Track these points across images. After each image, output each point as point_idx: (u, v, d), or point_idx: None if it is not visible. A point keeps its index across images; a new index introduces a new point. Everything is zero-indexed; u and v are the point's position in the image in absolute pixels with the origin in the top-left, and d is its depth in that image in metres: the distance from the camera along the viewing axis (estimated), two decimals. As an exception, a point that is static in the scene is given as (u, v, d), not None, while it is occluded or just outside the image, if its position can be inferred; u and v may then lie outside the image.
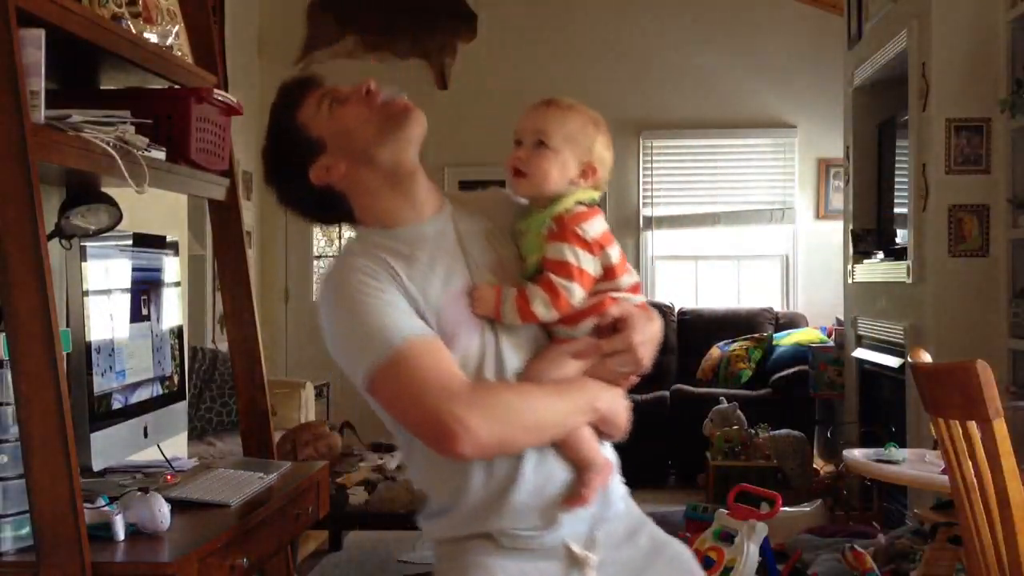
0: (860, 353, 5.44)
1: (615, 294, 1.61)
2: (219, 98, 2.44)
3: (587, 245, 1.58)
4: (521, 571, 1.56)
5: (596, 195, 1.64)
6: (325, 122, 1.63)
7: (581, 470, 1.59)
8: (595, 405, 1.58)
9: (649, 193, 7.20)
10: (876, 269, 5.30)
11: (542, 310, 1.56)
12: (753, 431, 5.49)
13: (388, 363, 1.49)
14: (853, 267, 5.67)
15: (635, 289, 1.65)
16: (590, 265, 1.58)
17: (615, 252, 1.62)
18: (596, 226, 1.60)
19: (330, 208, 1.68)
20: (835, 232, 6.64)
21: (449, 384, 1.48)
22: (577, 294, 1.57)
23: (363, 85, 1.64)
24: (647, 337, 1.61)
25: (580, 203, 1.61)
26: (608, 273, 1.61)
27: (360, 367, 1.53)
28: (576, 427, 1.57)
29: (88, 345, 2.22)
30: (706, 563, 3.57)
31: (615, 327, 1.60)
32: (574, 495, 1.57)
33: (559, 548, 1.58)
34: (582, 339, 1.60)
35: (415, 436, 1.55)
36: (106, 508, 1.92)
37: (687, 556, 1.69)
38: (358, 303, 1.53)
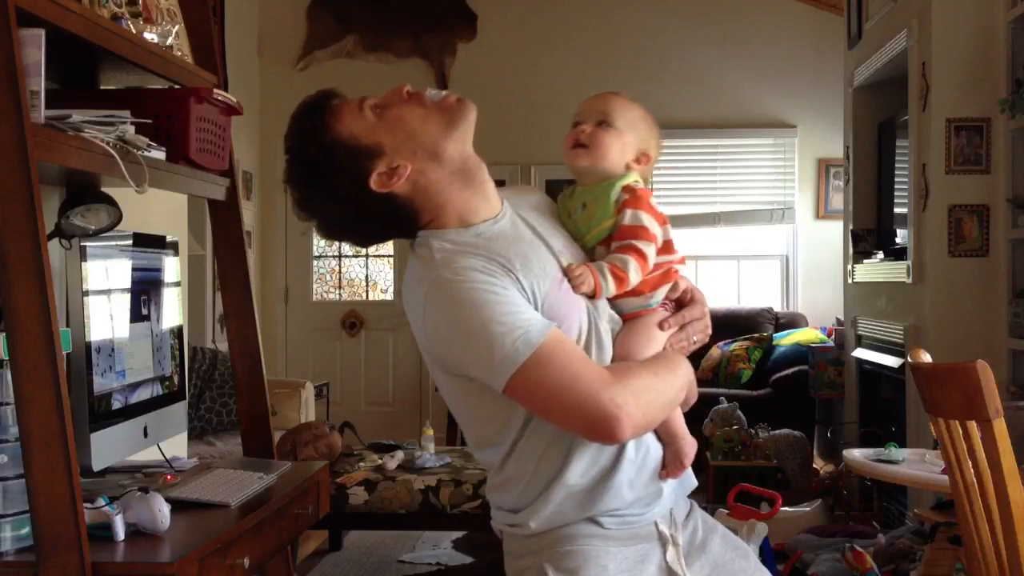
0: (860, 353, 5.44)
1: (676, 266, 1.68)
2: (219, 98, 2.44)
3: (658, 216, 1.64)
4: (625, 557, 1.56)
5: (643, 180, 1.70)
6: (378, 127, 1.57)
7: (673, 442, 1.63)
8: (690, 377, 1.60)
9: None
10: (876, 269, 5.30)
11: (635, 275, 1.59)
12: (753, 431, 5.49)
13: (534, 360, 1.45)
14: (853, 267, 5.67)
15: (682, 261, 1.71)
16: (659, 235, 1.64)
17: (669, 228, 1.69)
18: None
19: (392, 220, 1.60)
20: (835, 232, 6.64)
21: (599, 372, 1.48)
22: (653, 259, 1.62)
23: (401, 88, 1.60)
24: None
25: (637, 181, 1.67)
26: (667, 247, 1.66)
27: (499, 367, 1.47)
28: (681, 400, 1.59)
29: (88, 345, 2.22)
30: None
31: (684, 299, 1.67)
32: (673, 465, 1.61)
33: (650, 528, 1.59)
34: (660, 311, 1.64)
35: (565, 427, 1.50)
36: (106, 508, 1.92)
37: (731, 534, 1.73)
38: (485, 303, 1.47)
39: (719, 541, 1.68)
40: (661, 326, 1.63)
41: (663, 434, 1.63)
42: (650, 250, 1.61)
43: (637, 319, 1.63)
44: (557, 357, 1.46)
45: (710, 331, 1.70)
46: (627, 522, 1.57)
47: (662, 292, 1.64)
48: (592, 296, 1.58)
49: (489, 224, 1.60)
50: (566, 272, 1.58)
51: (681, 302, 1.68)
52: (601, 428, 1.46)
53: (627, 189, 1.64)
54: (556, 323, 1.51)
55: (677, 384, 1.56)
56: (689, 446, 1.63)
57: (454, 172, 1.59)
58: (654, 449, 1.61)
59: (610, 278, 1.58)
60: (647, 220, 1.62)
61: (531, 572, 1.57)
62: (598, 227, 1.65)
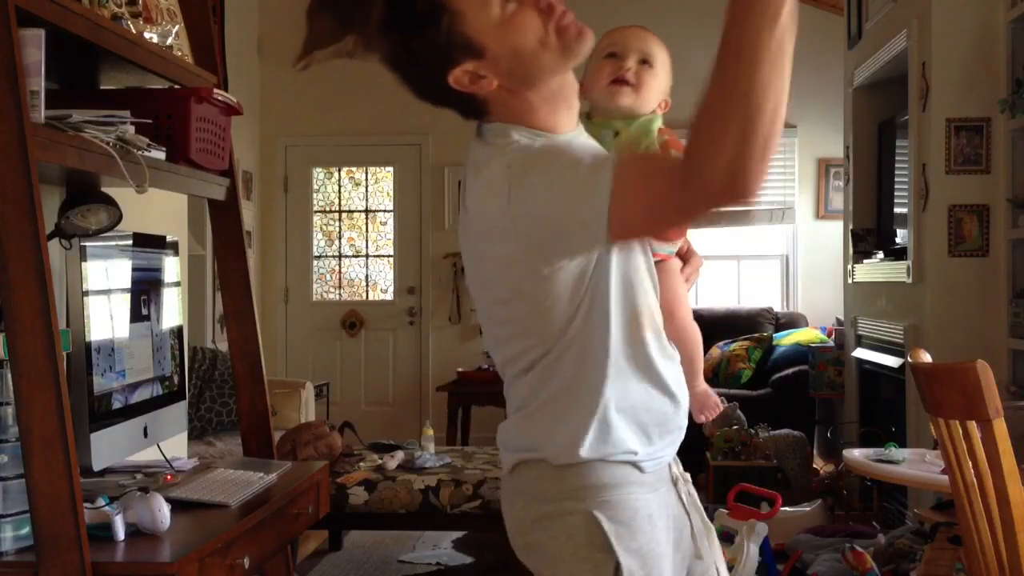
0: (860, 353, 5.44)
1: None
2: (219, 98, 2.44)
3: None
4: (661, 504, 1.52)
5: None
6: (495, 27, 1.41)
7: (696, 385, 1.68)
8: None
9: (649, 193, 7.20)
10: (876, 269, 5.29)
11: None
12: (753, 431, 5.49)
13: (621, 168, 1.33)
14: (853, 267, 5.67)
15: None
16: None
17: None
18: None
19: (460, 105, 1.48)
20: (835, 232, 6.64)
21: (672, 167, 1.32)
22: None
23: None
24: None
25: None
26: None
27: (601, 182, 1.32)
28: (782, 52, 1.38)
29: (88, 345, 2.22)
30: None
31: (682, 251, 1.72)
32: (708, 409, 1.71)
33: (666, 470, 1.57)
34: (676, 260, 1.69)
35: (698, 197, 1.28)
36: (106, 508, 1.92)
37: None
38: (566, 150, 1.39)
39: (687, 488, 1.68)
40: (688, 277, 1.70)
41: (688, 378, 1.61)
42: None
43: (669, 263, 1.66)
44: (639, 159, 1.44)
45: (698, 276, 1.79)
46: (659, 463, 1.53)
47: (679, 242, 1.68)
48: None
49: (571, 134, 1.50)
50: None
51: (682, 254, 1.73)
52: (738, 176, 1.25)
53: (663, 131, 1.63)
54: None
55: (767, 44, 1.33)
56: (711, 390, 1.72)
57: (547, 98, 1.47)
58: (685, 390, 1.58)
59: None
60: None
61: (575, 519, 1.46)
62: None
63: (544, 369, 1.48)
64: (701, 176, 1.26)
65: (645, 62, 1.64)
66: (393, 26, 1.48)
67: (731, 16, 1.30)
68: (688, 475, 1.63)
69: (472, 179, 1.47)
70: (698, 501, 1.63)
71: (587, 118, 1.64)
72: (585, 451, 1.46)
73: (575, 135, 1.51)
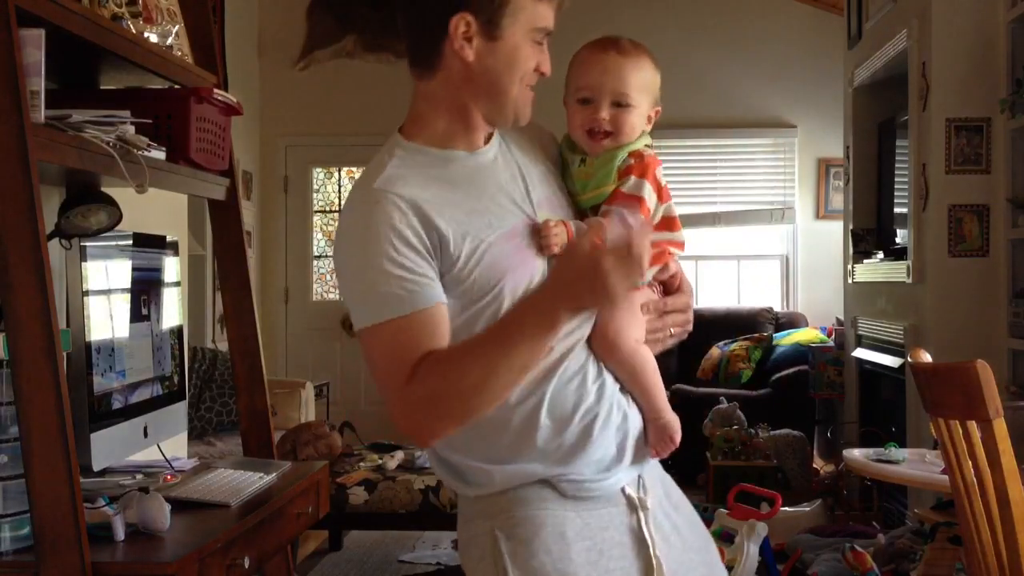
0: (860, 353, 5.44)
1: (673, 249, 1.60)
2: (219, 98, 2.44)
3: (660, 190, 1.57)
4: (585, 523, 1.50)
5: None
6: (517, 37, 1.50)
7: (656, 419, 1.56)
8: (552, 318, 1.40)
9: (649, 193, 7.20)
10: (876, 269, 5.29)
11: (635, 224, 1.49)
12: (753, 431, 5.49)
13: (372, 329, 1.43)
14: (853, 267, 5.67)
15: (680, 246, 1.63)
16: (655, 210, 1.56)
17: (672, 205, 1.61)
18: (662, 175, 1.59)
19: (420, 48, 1.54)
20: (835, 232, 6.64)
21: (395, 376, 1.43)
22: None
23: (545, 66, 1.55)
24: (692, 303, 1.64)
25: (648, 147, 1.60)
26: (671, 224, 1.60)
27: (356, 318, 1.46)
28: (537, 356, 1.43)
29: (88, 345, 2.22)
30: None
31: (672, 284, 1.61)
32: (660, 444, 1.56)
33: (615, 492, 1.53)
34: (646, 291, 1.57)
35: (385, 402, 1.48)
36: (106, 508, 1.92)
37: (697, 517, 1.69)
38: (373, 251, 1.42)
39: (685, 519, 1.63)
40: (643, 307, 1.56)
41: (644, 411, 1.56)
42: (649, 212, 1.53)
43: None
44: (389, 340, 1.42)
45: (690, 327, 1.63)
46: (587, 488, 1.50)
47: (651, 272, 1.56)
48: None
49: (465, 154, 1.53)
50: (540, 226, 1.49)
51: (668, 288, 1.62)
52: (393, 408, 1.46)
53: (635, 155, 1.56)
54: (490, 271, 1.44)
55: (512, 366, 1.41)
56: (674, 423, 1.56)
57: (482, 96, 1.51)
58: (628, 415, 1.54)
59: (587, 243, 1.46)
60: (647, 192, 1.53)
61: (481, 539, 1.50)
62: (596, 190, 1.56)
63: None
64: (392, 412, 1.46)
65: (618, 104, 1.56)
66: None
67: (503, 335, 1.42)
68: (650, 504, 1.55)
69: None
70: (670, 537, 1.56)
71: (568, 141, 1.63)
72: (485, 488, 1.51)
73: (472, 156, 1.54)
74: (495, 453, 1.49)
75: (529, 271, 1.48)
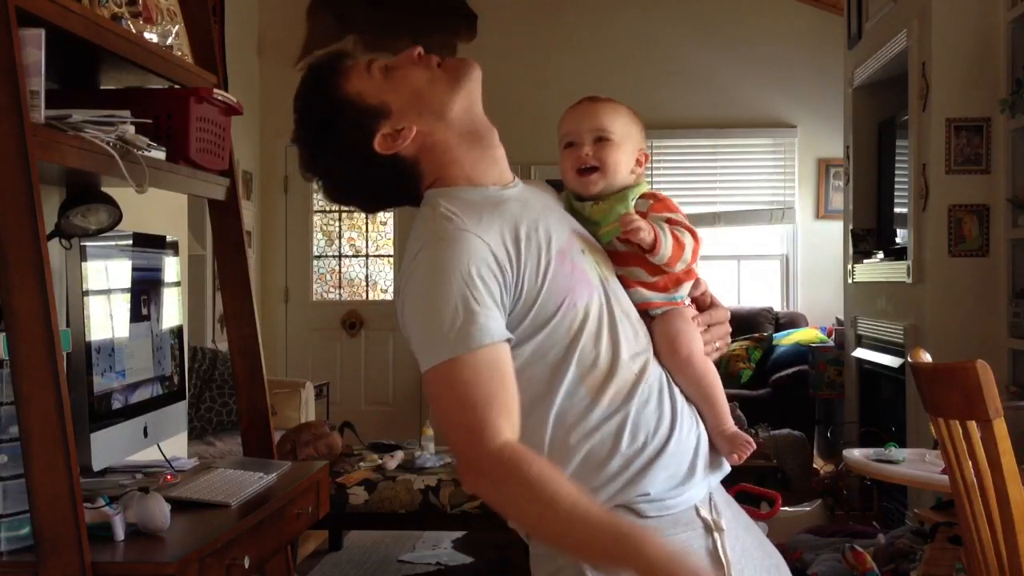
0: (860, 353, 5.44)
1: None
2: (219, 98, 2.44)
3: (685, 218, 1.63)
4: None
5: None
6: (384, 87, 1.56)
7: (721, 435, 1.58)
8: (616, 562, 1.36)
9: (649, 193, 7.20)
10: (876, 269, 5.30)
11: (688, 251, 1.57)
12: (753, 431, 5.49)
13: (449, 365, 1.40)
14: (853, 267, 5.67)
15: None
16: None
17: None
18: None
19: (398, 182, 1.58)
20: (835, 232, 6.64)
21: (505, 421, 1.40)
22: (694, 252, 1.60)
23: (412, 51, 1.59)
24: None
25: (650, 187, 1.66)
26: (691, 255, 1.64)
27: (424, 355, 1.44)
28: (581, 556, 1.43)
29: (88, 345, 2.22)
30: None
31: (704, 301, 1.65)
32: (738, 444, 1.57)
33: (691, 514, 1.52)
34: (688, 307, 1.61)
35: (445, 438, 1.46)
36: (106, 508, 1.92)
37: (765, 538, 1.69)
38: (443, 283, 1.41)
39: (757, 532, 1.65)
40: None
41: (711, 423, 1.58)
42: (689, 243, 1.59)
43: (672, 310, 1.59)
44: (470, 379, 1.40)
45: (730, 340, 1.67)
46: (665, 506, 1.49)
47: (686, 288, 1.61)
48: (651, 250, 1.54)
49: (498, 189, 1.57)
50: (624, 218, 1.54)
51: (700, 304, 1.65)
52: (459, 467, 1.43)
53: (648, 195, 1.62)
54: (551, 294, 1.46)
55: (560, 542, 1.41)
56: (740, 432, 1.58)
57: (462, 133, 1.57)
58: (697, 429, 1.56)
59: (670, 237, 1.54)
60: (680, 218, 1.61)
61: (567, 572, 1.47)
62: (616, 222, 1.59)
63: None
64: (465, 454, 1.42)
65: (601, 139, 1.61)
66: (305, 131, 1.60)
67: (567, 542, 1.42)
68: (724, 525, 1.55)
69: (408, 245, 1.53)
70: (754, 553, 1.57)
71: (570, 195, 1.68)
72: None
73: (503, 189, 1.57)
74: (584, 481, 1.47)
75: (588, 290, 1.50)
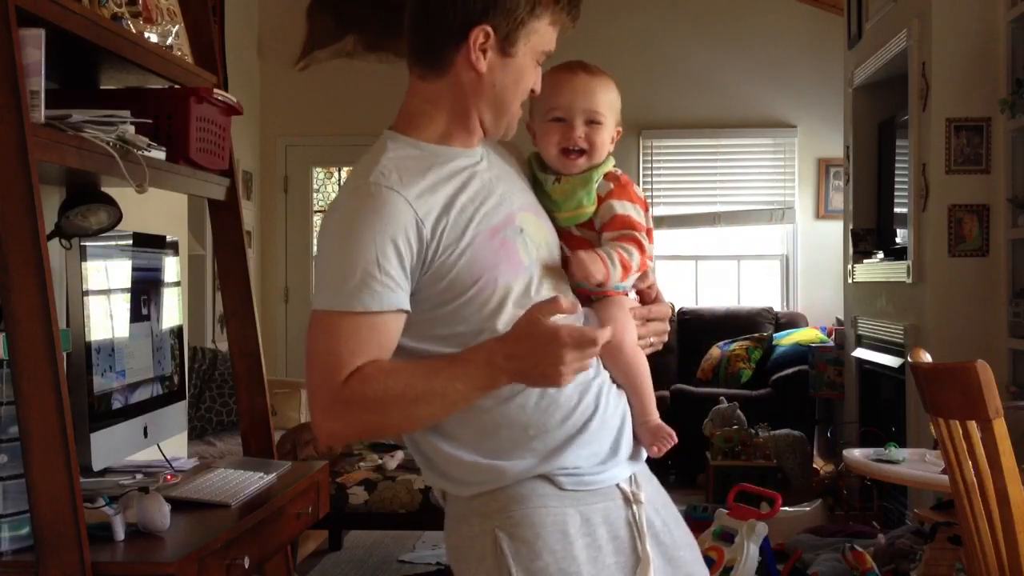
0: (860, 353, 5.44)
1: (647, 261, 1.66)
2: (219, 98, 2.44)
3: (642, 202, 1.63)
4: (586, 519, 1.51)
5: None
6: (523, 59, 1.55)
7: (644, 423, 1.61)
8: (493, 379, 1.44)
9: (649, 193, 7.20)
10: (876, 269, 5.30)
11: (636, 266, 1.58)
12: (753, 431, 5.49)
13: (333, 315, 1.45)
14: (853, 267, 5.67)
15: (651, 256, 1.68)
16: (646, 223, 1.63)
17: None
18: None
19: (436, 56, 1.55)
20: (835, 232, 6.64)
21: (335, 370, 1.44)
22: (649, 250, 1.61)
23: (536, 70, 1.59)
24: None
25: (616, 168, 1.66)
26: (647, 235, 1.64)
27: (317, 292, 1.50)
28: (467, 402, 1.47)
29: (88, 345, 2.22)
30: (706, 563, 3.56)
31: (649, 295, 1.66)
32: (661, 436, 1.60)
33: (611, 489, 1.55)
34: (630, 297, 1.63)
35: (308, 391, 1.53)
36: (106, 508, 1.92)
37: (680, 517, 1.71)
38: (363, 245, 1.44)
39: (671, 510, 1.67)
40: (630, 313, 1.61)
41: (636, 412, 1.61)
42: (646, 242, 1.60)
43: (610, 298, 1.60)
44: (364, 333, 1.44)
45: (666, 338, 1.67)
46: (584, 482, 1.52)
47: (630, 279, 1.61)
48: (601, 284, 1.55)
49: (457, 150, 1.57)
50: (574, 255, 1.54)
51: (645, 297, 1.67)
52: (314, 414, 1.48)
53: (610, 177, 1.62)
54: (472, 268, 1.48)
55: (443, 402, 1.45)
56: (663, 424, 1.60)
57: (487, 105, 1.56)
58: (622, 413, 1.59)
59: (618, 265, 1.55)
60: (634, 211, 1.61)
61: (481, 540, 1.49)
62: (575, 210, 1.62)
63: None
64: (314, 401, 1.48)
65: (592, 121, 1.62)
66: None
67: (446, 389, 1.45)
68: (643, 498, 1.58)
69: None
70: (661, 534, 1.59)
71: (537, 160, 1.68)
72: (484, 485, 1.52)
73: (465, 157, 1.57)
74: (497, 446, 1.51)
75: (510, 271, 1.51)
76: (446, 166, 1.54)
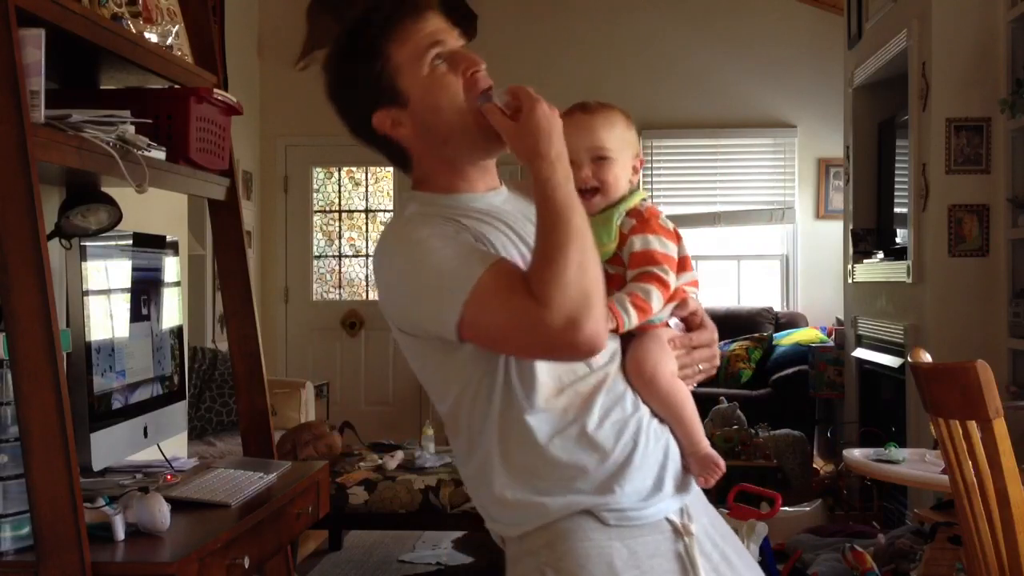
0: (860, 353, 5.44)
1: (688, 288, 1.63)
2: (219, 98, 2.44)
3: (671, 235, 1.59)
4: (632, 552, 1.48)
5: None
6: (421, 82, 1.50)
7: (695, 453, 1.57)
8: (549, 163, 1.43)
9: (649, 193, 7.21)
10: (876, 269, 5.30)
11: (657, 303, 1.54)
12: (753, 431, 5.49)
13: (478, 290, 1.39)
14: (853, 267, 5.67)
15: (695, 284, 1.66)
16: (674, 253, 1.59)
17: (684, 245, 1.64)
18: (668, 219, 1.62)
19: (388, 150, 1.58)
20: (835, 232, 6.64)
21: (528, 307, 1.37)
22: (674, 282, 1.57)
23: (474, 63, 1.51)
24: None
25: (643, 201, 1.63)
26: (684, 264, 1.62)
27: (447, 308, 1.42)
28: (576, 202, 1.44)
29: (88, 345, 2.22)
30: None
31: (693, 322, 1.62)
32: (709, 467, 1.56)
33: (660, 523, 1.52)
34: (668, 328, 1.59)
35: (528, 353, 1.44)
36: (106, 508, 1.92)
37: (744, 549, 1.68)
38: (431, 248, 1.43)
39: (732, 539, 1.63)
40: (671, 344, 1.57)
41: (683, 444, 1.57)
42: (669, 274, 1.56)
43: (647, 332, 1.56)
44: (505, 283, 1.39)
45: (717, 362, 1.64)
46: (627, 517, 1.50)
47: (666, 311, 1.58)
48: (615, 331, 1.51)
49: (473, 196, 1.55)
50: None
51: (690, 324, 1.63)
52: (558, 340, 1.38)
53: (633, 213, 1.59)
54: None
55: (572, 220, 1.41)
56: (714, 453, 1.56)
57: (445, 160, 1.55)
58: (673, 446, 1.55)
59: (632, 311, 1.51)
60: (657, 243, 1.56)
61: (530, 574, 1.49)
62: (599, 249, 1.55)
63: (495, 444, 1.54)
64: (546, 334, 1.38)
65: (599, 158, 1.59)
66: (335, 57, 1.58)
67: (546, 189, 1.43)
68: (694, 531, 1.54)
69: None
70: (720, 566, 1.55)
71: None
72: (529, 524, 1.50)
73: (482, 201, 1.56)
74: (540, 486, 1.49)
75: None
76: (462, 209, 1.53)
